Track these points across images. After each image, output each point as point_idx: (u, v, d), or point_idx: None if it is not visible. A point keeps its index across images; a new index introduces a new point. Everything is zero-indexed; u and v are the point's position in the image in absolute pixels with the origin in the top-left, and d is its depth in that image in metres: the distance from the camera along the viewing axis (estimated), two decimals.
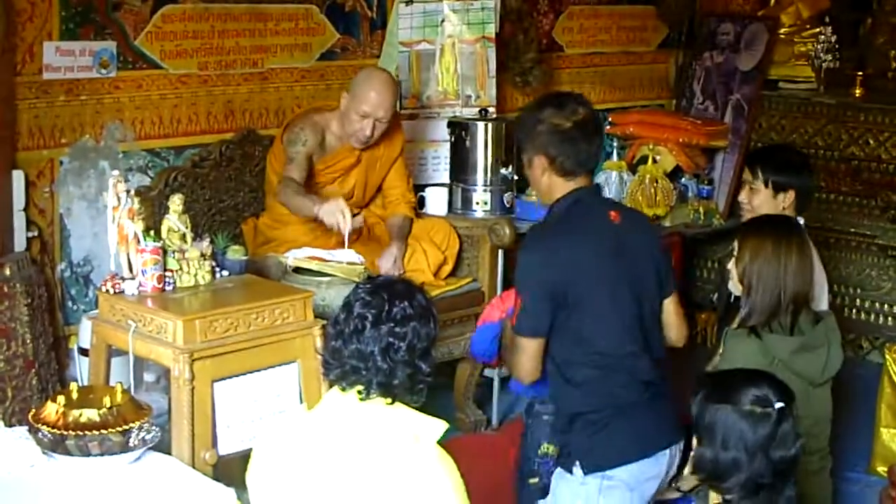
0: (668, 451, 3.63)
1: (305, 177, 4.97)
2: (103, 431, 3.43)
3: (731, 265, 4.06)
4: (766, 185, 4.57)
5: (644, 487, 3.61)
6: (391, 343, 2.91)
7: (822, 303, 4.36)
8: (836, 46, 7.08)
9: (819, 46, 7.09)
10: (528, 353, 3.61)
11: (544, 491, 4.32)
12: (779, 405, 3.00)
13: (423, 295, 3.04)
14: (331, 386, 3.02)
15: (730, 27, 7.19)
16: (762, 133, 7.12)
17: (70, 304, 4.93)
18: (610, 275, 3.60)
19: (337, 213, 4.67)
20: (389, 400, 2.93)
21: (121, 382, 3.63)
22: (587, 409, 3.58)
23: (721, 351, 4.10)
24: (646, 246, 3.73)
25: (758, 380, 3.11)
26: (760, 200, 4.57)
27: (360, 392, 2.92)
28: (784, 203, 4.51)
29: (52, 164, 4.81)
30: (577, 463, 3.57)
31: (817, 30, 7.20)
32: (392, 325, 2.92)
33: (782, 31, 7.31)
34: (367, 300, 2.96)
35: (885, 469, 4.73)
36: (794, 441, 3.01)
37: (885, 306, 6.59)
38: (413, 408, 2.96)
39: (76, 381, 4.45)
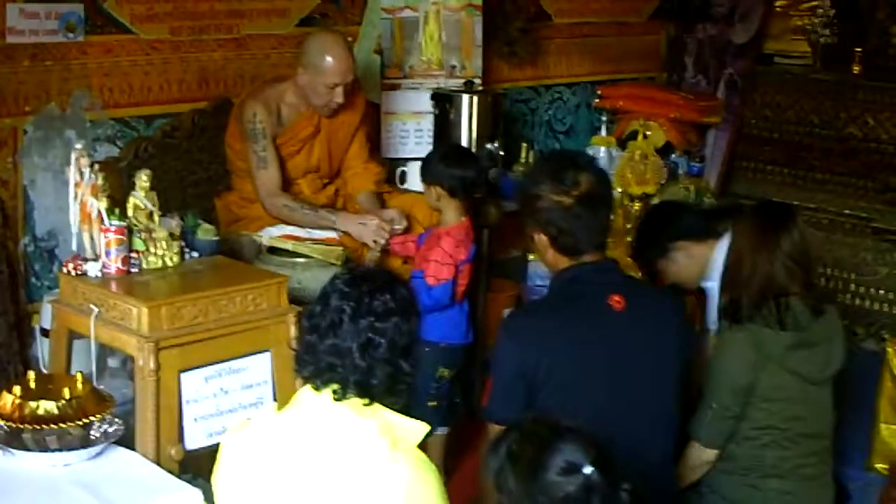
0: None
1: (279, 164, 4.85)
2: (62, 425, 3.26)
3: None
4: None
5: None
6: (371, 339, 2.72)
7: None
8: (835, 21, 6.90)
9: (816, 20, 6.92)
10: None
11: (441, 412, 4.55)
12: (588, 470, 2.38)
13: (405, 287, 2.84)
14: (304, 383, 2.81)
15: None
16: (756, 109, 6.98)
17: (34, 280, 4.73)
18: (593, 368, 3.25)
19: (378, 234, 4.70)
20: (367, 400, 2.74)
21: (81, 372, 3.45)
22: None
23: (713, 345, 3.96)
24: (656, 338, 3.35)
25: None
26: None
27: (335, 392, 2.72)
28: None
29: (15, 133, 4.60)
30: None
31: (815, 3, 7.02)
32: (372, 319, 2.72)
33: (778, 3, 7.15)
34: (346, 291, 2.76)
35: (885, 467, 4.58)
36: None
37: (881, 291, 6.40)
38: (392, 409, 2.77)
39: (39, 361, 4.38)
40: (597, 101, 6.68)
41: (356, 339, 2.71)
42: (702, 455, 3.76)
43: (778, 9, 7.13)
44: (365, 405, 2.73)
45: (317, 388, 2.75)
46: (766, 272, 3.71)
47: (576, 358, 3.25)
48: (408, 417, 2.75)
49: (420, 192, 4.97)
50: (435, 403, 4.58)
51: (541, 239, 3.38)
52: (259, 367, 3.76)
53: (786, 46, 7.14)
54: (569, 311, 3.31)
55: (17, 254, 4.65)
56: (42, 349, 4.34)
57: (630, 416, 3.30)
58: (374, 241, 4.72)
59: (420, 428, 2.75)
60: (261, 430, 2.77)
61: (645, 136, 6.38)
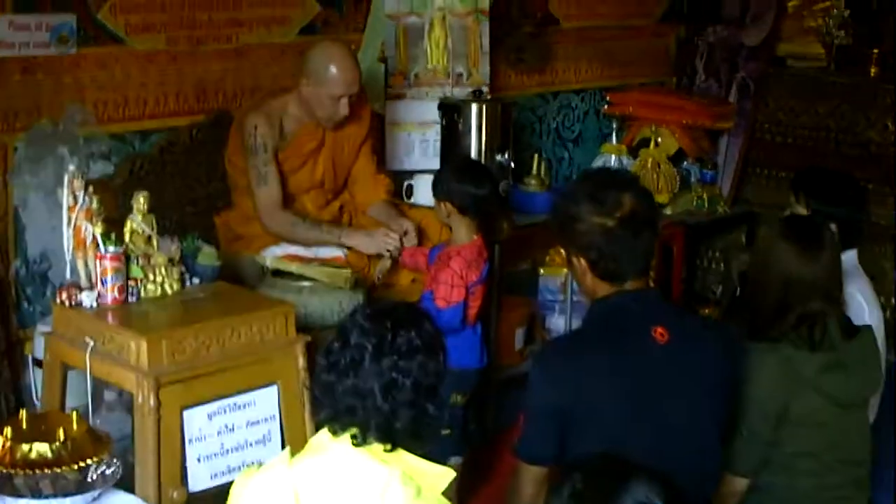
0: None
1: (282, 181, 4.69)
2: (56, 469, 3.03)
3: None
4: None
5: None
6: (394, 379, 2.54)
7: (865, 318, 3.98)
8: (849, 21, 6.77)
9: (830, 21, 6.78)
10: (525, 480, 3.13)
11: (455, 441, 4.39)
12: None
13: (430, 322, 2.66)
14: (319, 427, 2.63)
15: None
16: (769, 114, 6.81)
17: (26, 304, 4.55)
18: (633, 405, 3.05)
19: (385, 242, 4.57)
20: (389, 446, 2.56)
21: (77, 410, 3.23)
22: None
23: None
24: (700, 374, 3.14)
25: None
26: None
27: (354, 437, 2.55)
28: None
29: (5, 150, 4.44)
30: None
31: (828, 3, 6.90)
32: (396, 357, 2.55)
33: (791, 4, 6.97)
34: (367, 328, 2.59)
35: None
36: None
37: None
38: (416, 454, 2.58)
39: (31, 391, 4.20)
40: (606, 107, 6.52)
41: (378, 379, 2.54)
42: (733, 484, 3.58)
43: (791, 9, 6.97)
44: (387, 451, 2.56)
45: (334, 433, 2.58)
46: (801, 292, 3.53)
47: (615, 394, 3.04)
48: (432, 463, 2.56)
49: (430, 207, 4.78)
50: (449, 431, 4.37)
51: (580, 264, 3.16)
52: (266, 402, 3.59)
53: (799, 48, 6.97)
54: (608, 344, 3.09)
55: (8, 278, 4.48)
56: (35, 378, 4.16)
57: (673, 453, 3.07)
58: (385, 250, 4.58)
59: (446, 475, 2.59)
60: (274, 480, 2.58)
61: (656, 144, 6.25)
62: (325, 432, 2.60)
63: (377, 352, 2.55)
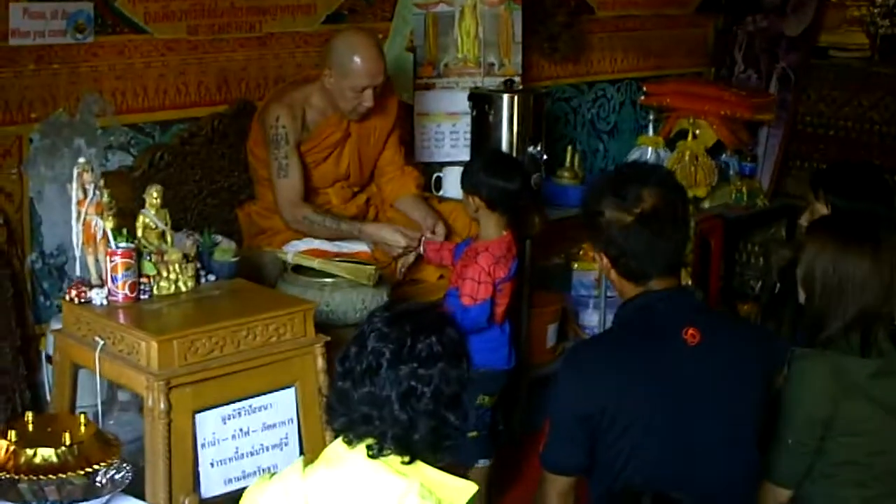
0: None
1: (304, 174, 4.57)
2: (62, 475, 2.91)
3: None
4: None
5: None
6: (413, 388, 2.40)
7: None
8: (894, 10, 6.56)
9: (875, 10, 6.59)
10: (550, 491, 3.02)
11: (483, 443, 4.27)
12: None
13: (454, 327, 2.51)
14: (335, 436, 2.49)
15: None
16: (810, 105, 6.65)
17: (42, 299, 4.43)
18: (664, 410, 2.93)
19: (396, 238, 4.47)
20: (407, 458, 2.42)
21: (85, 413, 3.10)
22: None
23: (785, 373, 3.52)
24: (734, 377, 3.01)
25: None
26: None
27: (370, 447, 2.42)
28: None
29: (20, 141, 4.32)
30: None
31: None
32: (415, 364, 2.41)
33: None
34: (385, 332, 2.45)
35: None
36: None
37: None
38: (436, 467, 2.44)
39: (46, 387, 4.12)
40: (642, 98, 6.37)
41: (396, 387, 2.40)
42: (775, 495, 3.43)
43: None
44: (404, 463, 2.42)
45: (349, 443, 2.44)
46: (867, 300, 3.36)
47: (646, 399, 2.91)
48: (454, 476, 2.42)
49: (459, 200, 4.65)
50: (475, 433, 4.24)
51: (603, 260, 3.05)
52: (283, 405, 3.45)
53: (842, 38, 6.78)
54: (637, 347, 2.96)
55: (24, 272, 4.37)
56: (49, 376, 4.07)
57: (707, 460, 2.97)
58: (407, 246, 4.47)
59: (467, 489, 2.45)
60: (286, 491, 2.45)
61: (694, 136, 6.10)
62: (340, 442, 2.46)
63: (395, 358, 2.41)
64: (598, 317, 5.59)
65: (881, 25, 6.56)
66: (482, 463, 4.29)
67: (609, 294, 5.41)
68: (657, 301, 2.99)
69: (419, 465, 2.42)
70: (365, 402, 2.41)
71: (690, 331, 2.94)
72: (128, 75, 4.56)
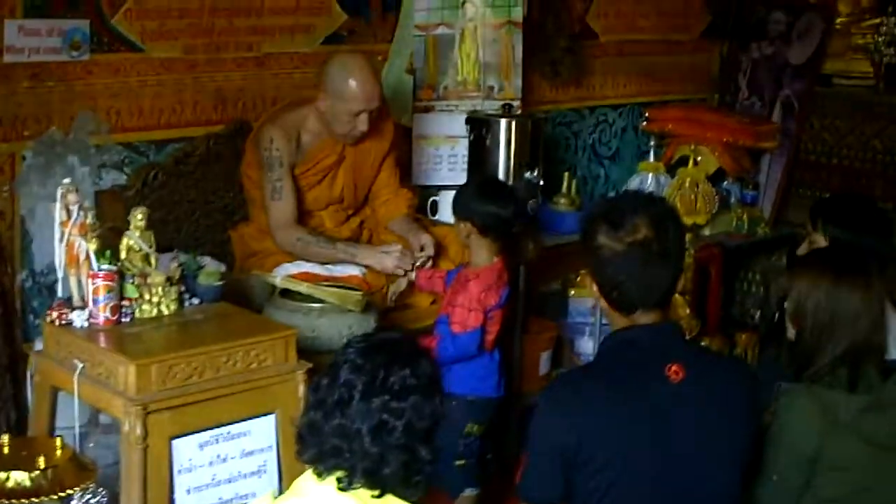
0: None
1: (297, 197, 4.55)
2: (34, 499, 2.90)
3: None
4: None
5: None
6: (384, 421, 2.37)
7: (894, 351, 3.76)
8: None
9: (879, 38, 6.61)
10: None
11: (470, 471, 4.30)
12: None
13: (428, 360, 2.48)
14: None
15: (781, 16, 6.59)
16: (813, 134, 6.63)
17: (32, 318, 4.40)
18: (640, 448, 2.87)
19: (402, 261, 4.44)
20: (377, 492, 2.38)
21: (62, 437, 3.08)
22: None
23: (772, 409, 3.48)
24: (718, 415, 2.95)
25: None
26: None
27: (339, 480, 2.38)
28: None
29: (12, 159, 4.30)
30: None
31: (878, 20, 6.72)
32: (387, 397, 2.38)
33: (839, 20, 6.79)
34: (358, 364, 2.42)
35: None
36: None
37: None
38: (408, 501, 2.40)
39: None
40: (644, 123, 6.29)
41: (367, 420, 2.37)
42: None
43: (838, 26, 6.77)
44: (374, 497, 2.38)
45: (319, 475, 2.41)
46: (857, 335, 3.30)
47: (622, 436, 2.85)
48: None
49: (453, 225, 4.58)
50: (463, 462, 4.20)
51: (594, 287, 3.00)
52: (262, 432, 3.41)
53: (846, 66, 6.80)
54: (618, 382, 2.90)
55: (14, 290, 4.33)
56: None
57: (687, 499, 2.92)
58: (399, 269, 4.43)
59: None
60: None
61: (696, 162, 6.01)
62: (310, 474, 2.44)
63: (367, 390, 2.38)
64: (594, 344, 5.53)
65: (886, 54, 6.57)
66: (469, 492, 4.24)
67: (604, 322, 5.36)
68: (642, 335, 2.94)
69: (389, 500, 2.39)
70: (336, 434, 2.37)
71: (674, 367, 2.88)
72: (123, 94, 4.54)
